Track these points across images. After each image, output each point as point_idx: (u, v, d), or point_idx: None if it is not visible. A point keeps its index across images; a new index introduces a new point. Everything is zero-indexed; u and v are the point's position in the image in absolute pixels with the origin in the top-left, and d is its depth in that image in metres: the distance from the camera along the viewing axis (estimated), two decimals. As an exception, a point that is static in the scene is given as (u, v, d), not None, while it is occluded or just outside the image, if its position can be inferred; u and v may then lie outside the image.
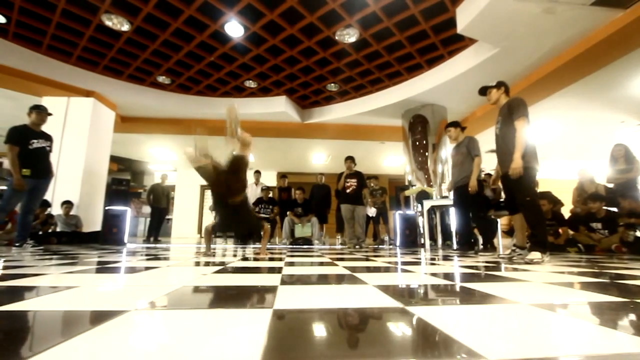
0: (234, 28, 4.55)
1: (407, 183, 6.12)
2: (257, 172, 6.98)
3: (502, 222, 4.27)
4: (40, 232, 4.72)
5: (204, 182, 2.84)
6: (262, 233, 2.73)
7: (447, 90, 5.54)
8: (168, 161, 10.74)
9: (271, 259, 2.48)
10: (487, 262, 2.38)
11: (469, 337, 0.60)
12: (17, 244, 3.53)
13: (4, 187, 4.34)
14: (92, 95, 5.68)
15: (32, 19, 4.43)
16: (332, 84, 6.19)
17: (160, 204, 6.92)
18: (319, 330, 0.68)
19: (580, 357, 0.53)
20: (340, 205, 5.12)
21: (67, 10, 4.25)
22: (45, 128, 3.79)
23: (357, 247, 4.65)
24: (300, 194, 6.18)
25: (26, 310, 0.80)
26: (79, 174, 5.37)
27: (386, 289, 1.13)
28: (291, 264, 2.13)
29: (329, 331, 0.68)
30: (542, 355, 0.52)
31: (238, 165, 2.41)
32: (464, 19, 3.91)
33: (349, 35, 4.71)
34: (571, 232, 4.24)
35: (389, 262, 2.28)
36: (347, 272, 1.66)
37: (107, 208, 4.95)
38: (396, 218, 5.16)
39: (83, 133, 5.51)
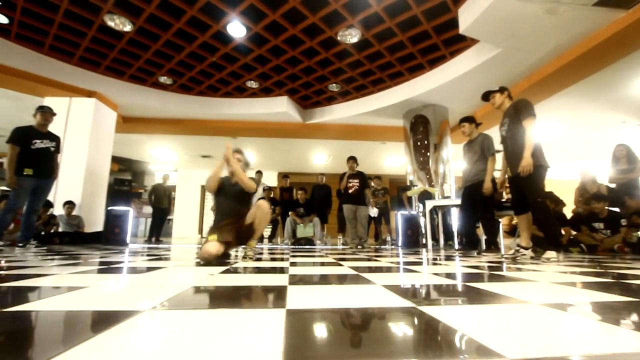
0: (236, 28, 4.55)
1: (408, 183, 6.13)
2: (259, 172, 6.99)
3: (502, 222, 4.27)
4: (43, 233, 4.72)
5: (204, 183, 2.85)
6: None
7: (448, 91, 5.54)
8: (169, 161, 10.76)
9: (274, 259, 2.48)
10: (491, 262, 2.38)
11: (485, 335, 0.61)
12: (20, 244, 3.54)
13: (4, 187, 4.35)
14: (94, 95, 5.69)
15: (35, 19, 4.43)
16: (334, 84, 6.20)
17: (161, 204, 6.92)
18: (336, 328, 0.69)
19: (598, 357, 0.53)
20: (342, 205, 5.12)
21: (69, 11, 4.25)
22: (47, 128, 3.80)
23: (359, 247, 4.65)
24: (302, 194, 6.20)
25: (47, 310, 0.81)
26: (81, 174, 5.38)
27: (395, 289, 1.14)
28: (296, 264, 2.14)
29: (345, 329, 0.68)
30: (559, 354, 0.53)
31: (245, 196, 2.47)
32: (466, 20, 3.92)
33: (351, 36, 4.72)
34: (573, 232, 4.25)
35: (393, 262, 2.29)
36: (353, 272, 1.67)
37: (109, 208, 4.95)
38: (398, 218, 5.16)
39: (85, 133, 5.52)
